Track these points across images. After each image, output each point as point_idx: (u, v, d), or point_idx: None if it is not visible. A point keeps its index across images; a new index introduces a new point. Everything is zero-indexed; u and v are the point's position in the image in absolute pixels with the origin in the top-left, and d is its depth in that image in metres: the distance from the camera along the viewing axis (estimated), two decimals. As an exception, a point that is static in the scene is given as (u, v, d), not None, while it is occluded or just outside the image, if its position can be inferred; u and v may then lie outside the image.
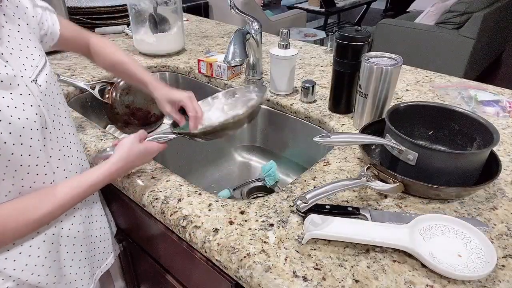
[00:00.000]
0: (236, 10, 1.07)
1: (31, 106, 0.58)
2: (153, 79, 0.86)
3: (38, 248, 0.65)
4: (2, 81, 0.54)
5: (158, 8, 1.34)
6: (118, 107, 1.16)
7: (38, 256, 0.65)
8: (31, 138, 0.58)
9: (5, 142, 0.54)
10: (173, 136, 0.79)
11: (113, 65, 0.88)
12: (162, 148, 0.77)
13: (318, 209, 0.66)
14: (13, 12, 0.63)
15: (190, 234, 0.65)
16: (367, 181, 0.70)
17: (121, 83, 1.17)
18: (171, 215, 0.69)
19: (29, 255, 0.63)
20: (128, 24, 1.58)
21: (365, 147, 0.80)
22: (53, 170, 0.65)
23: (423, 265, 0.57)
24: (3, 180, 0.56)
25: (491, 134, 0.70)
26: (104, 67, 0.90)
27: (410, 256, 0.59)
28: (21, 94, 0.57)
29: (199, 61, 1.26)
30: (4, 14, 0.61)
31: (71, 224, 0.71)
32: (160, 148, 0.76)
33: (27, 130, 0.57)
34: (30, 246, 0.63)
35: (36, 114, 0.58)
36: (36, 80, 0.61)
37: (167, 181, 0.77)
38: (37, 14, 0.70)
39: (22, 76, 0.58)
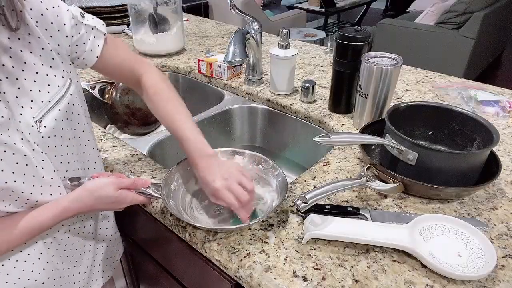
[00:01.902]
0: (236, 10, 1.07)
1: (13, 154, 0.52)
2: (200, 155, 0.66)
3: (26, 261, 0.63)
4: None
5: (158, 8, 1.34)
6: (118, 107, 1.16)
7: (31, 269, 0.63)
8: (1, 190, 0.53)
9: None
10: (160, 197, 0.67)
11: (162, 120, 0.74)
12: (140, 201, 0.67)
13: (318, 209, 0.66)
14: (45, 28, 0.56)
15: (190, 234, 0.65)
16: (367, 181, 0.70)
17: (121, 83, 1.16)
18: (171, 215, 0.69)
19: (23, 270, 0.62)
20: (128, 24, 1.58)
21: (365, 147, 0.80)
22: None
23: (423, 265, 0.57)
24: None
25: (491, 134, 0.70)
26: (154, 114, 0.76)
27: (410, 256, 0.59)
28: (5, 144, 0.51)
29: (199, 61, 1.26)
30: (29, 34, 0.54)
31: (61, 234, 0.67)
32: (135, 199, 0.65)
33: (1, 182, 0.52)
34: (25, 261, 0.62)
35: (17, 163, 0.53)
36: (41, 121, 0.55)
37: (167, 181, 0.77)
38: (75, 34, 0.61)
39: (20, 122, 0.53)
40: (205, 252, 0.64)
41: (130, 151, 0.87)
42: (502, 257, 0.59)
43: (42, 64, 0.56)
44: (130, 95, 1.19)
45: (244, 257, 0.59)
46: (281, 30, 1.06)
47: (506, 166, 0.80)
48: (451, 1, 3.27)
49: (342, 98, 1.00)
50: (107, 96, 1.15)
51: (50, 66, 0.57)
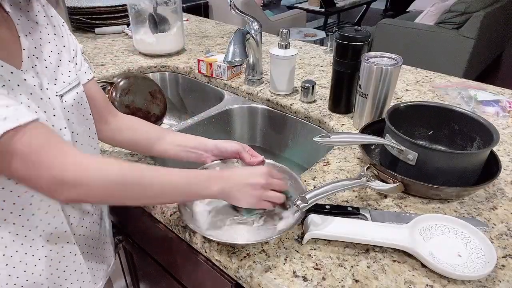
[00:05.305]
0: (236, 10, 1.07)
1: (40, 109, 0.56)
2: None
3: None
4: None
5: (158, 8, 1.34)
6: (118, 107, 1.16)
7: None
8: None
9: None
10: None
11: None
12: (277, 182, 0.64)
13: (318, 209, 0.66)
14: (62, 29, 0.66)
15: (190, 234, 0.65)
16: (367, 181, 0.70)
17: (121, 83, 1.16)
18: (171, 215, 0.69)
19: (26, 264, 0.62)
20: (128, 24, 1.58)
21: (365, 147, 0.80)
22: None
23: (423, 265, 0.57)
24: None
25: (491, 134, 0.70)
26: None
27: (410, 256, 0.59)
28: (38, 107, 0.55)
29: (199, 61, 1.26)
30: (54, 26, 0.64)
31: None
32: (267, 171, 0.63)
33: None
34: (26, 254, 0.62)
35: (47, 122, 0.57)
36: (62, 96, 0.61)
37: (167, 181, 0.77)
38: (77, 48, 0.69)
39: (47, 89, 0.58)
40: (205, 252, 0.64)
41: (130, 151, 0.87)
42: (502, 257, 0.59)
43: (61, 52, 0.64)
44: (130, 95, 1.19)
45: (244, 257, 0.59)
46: (281, 30, 1.06)
47: (506, 166, 0.80)
48: (451, 1, 3.27)
49: (342, 98, 1.00)
50: (107, 96, 1.15)
51: (69, 61, 0.65)
